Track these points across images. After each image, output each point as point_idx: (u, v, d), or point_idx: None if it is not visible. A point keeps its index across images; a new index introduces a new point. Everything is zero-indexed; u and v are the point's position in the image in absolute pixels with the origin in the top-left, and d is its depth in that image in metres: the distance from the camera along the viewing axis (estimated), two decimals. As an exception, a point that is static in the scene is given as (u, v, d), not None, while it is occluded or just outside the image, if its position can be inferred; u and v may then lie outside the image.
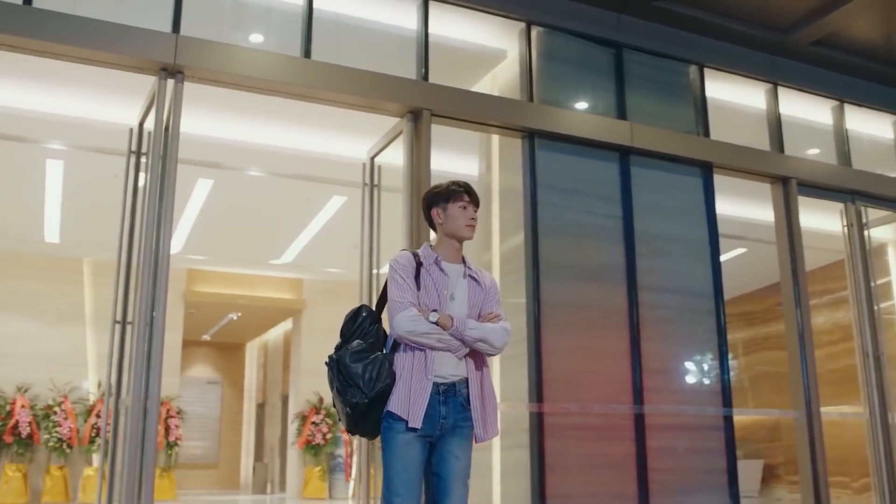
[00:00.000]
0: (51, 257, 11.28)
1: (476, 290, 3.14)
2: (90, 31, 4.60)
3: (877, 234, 7.72)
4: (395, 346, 3.03)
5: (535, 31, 6.04)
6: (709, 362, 6.08)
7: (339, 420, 3.05)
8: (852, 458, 8.66)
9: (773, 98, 6.98)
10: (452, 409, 2.97)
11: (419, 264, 3.08)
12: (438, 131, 5.50)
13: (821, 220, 7.58)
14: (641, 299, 5.84)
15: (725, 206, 6.74)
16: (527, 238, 5.66)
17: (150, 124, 4.94)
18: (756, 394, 12.27)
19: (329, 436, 12.87)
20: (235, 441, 17.81)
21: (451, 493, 2.92)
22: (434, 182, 5.47)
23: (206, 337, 17.35)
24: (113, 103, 6.33)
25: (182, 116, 4.84)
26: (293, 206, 9.07)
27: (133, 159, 5.23)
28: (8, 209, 9.03)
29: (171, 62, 4.73)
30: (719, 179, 6.48)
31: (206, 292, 13.12)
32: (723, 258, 6.37)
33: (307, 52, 5.24)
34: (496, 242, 6.13)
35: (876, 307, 6.91)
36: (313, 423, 12.86)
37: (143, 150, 5.14)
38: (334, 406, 3.03)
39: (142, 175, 5.09)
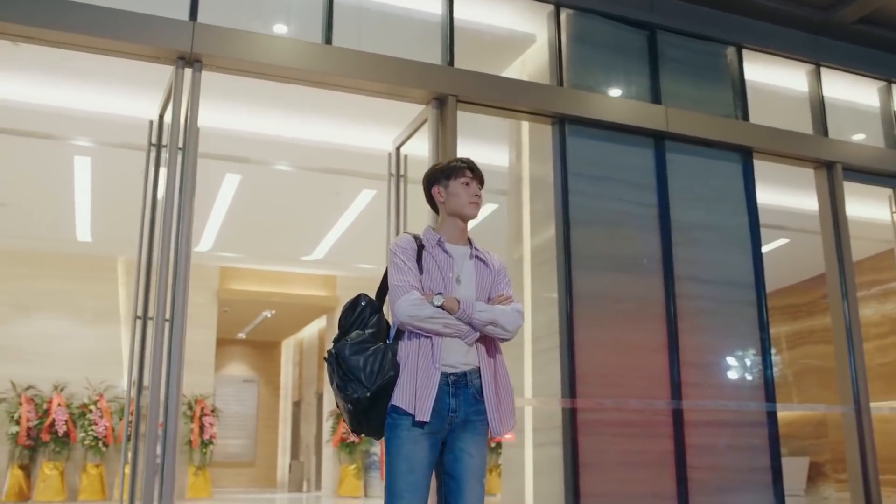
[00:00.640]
0: (84, 256, 11.32)
1: (484, 271, 2.92)
2: (105, 21, 4.49)
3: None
4: (399, 334, 2.80)
5: (564, 14, 5.83)
6: (750, 355, 5.82)
7: (344, 420, 2.84)
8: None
9: (816, 79, 6.69)
10: (463, 401, 2.73)
11: (421, 247, 2.86)
12: (467, 120, 5.33)
13: (868, 207, 7.26)
14: (679, 290, 5.60)
15: (766, 195, 6.47)
16: (558, 228, 5.46)
17: (169, 116, 4.84)
18: (801, 389, 11.90)
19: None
20: (272, 439, 17.82)
21: (465, 495, 2.69)
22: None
23: (242, 335, 17.37)
24: (138, 98, 6.24)
25: (206, 110, 4.73)
26: (322, 200, 8.95)
27: (153, 153, 5.14)
28: (39, 208, 9.04)
29: (189, 50, 4.62)
30: (759, 167, 6.20)
31: (239, 290, 13.09)
32: (764, 249, 6.11)
33: (328, 39, 5.10)
34: (527, 234, 5.93)
35: (928, 297, 6.59)
36: (348, 420, 12.75)
37: (164, 142, 5.04)
38: (337, 405, 2.82)
39: (162, 169, 5.00)
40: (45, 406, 10.88)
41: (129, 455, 4.83)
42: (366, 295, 2.90)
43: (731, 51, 6.36)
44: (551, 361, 5.32)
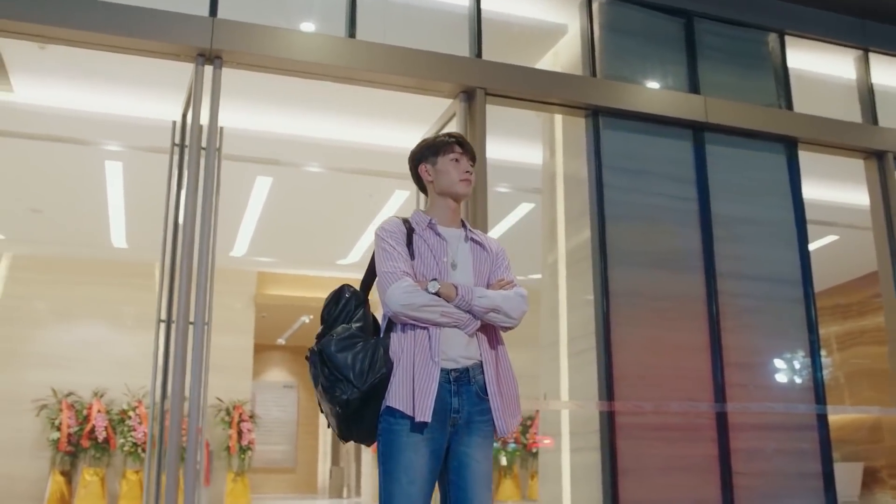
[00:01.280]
0: (121, 263, 11.34)
1: (481, 255, 2.66)
2: (123, 18, 4.42)
3: None
4: (391, 327, 2.52)
5: (596, 3, 5.63)
6: (799, 356, 5.54)
7: (329, 425, 2.54)
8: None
9: (864, 66, 6.39)
10: (467, 400, 2.46)
11: (410, 230, 2.61)
12: (500, 116, 5.16)
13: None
14: (721, 287, 5.35)
15: (813, 190, 6.19)
16: (592, 224, 5.25)
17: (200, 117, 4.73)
18: (853, 391, 11.47)
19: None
20: (312, 445, 17.76)
21: None
22: (493, 170, 5.23)
23: (281, 341, 17.35)
24: (167, 99, 6.17)
25: (233, 112, 4.63)
26: (355, 202, 8.83)
27: (177, 153, 5.06)
28: (73, 215, 9.06)
29: (208, 47, 4.51)
30: (805, 161, 5.93)
31: (276, 295, 13.03)
32: (812, 246, 5.83)
33: (352, 33, 4.96)
34: (562, 233, 5.73)
35: None
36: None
37: (187, 143, 4.95)
38: (321, 409, 2.53)
39: (186, 169, 4.90)
40: (85, 412, 10.92)
41: (153, 462, 4.73)
42: (350, 285, 2.63)
43: (772, 37, 6.10)
44: (588, 363, 5.12)
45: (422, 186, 2.79)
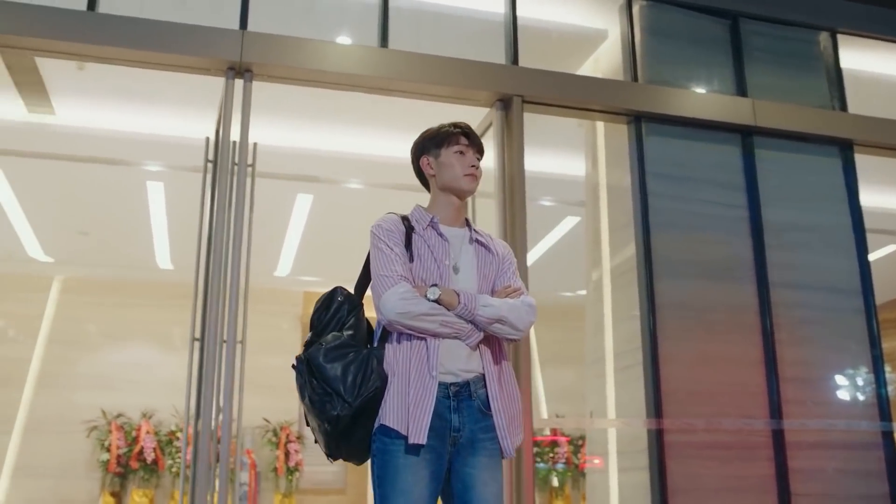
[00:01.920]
0: (168, 284, 11.41)
1: (487, 258, 2.45)
2: (152, 33, 4.38)
3: None
4: (385, 336, 2.32)
5: (636, 6, 5.46)
6: (860, 370, 5.24)
7: (315, 441, 2.36)
8: None
9: (923, 64, 6.09)
10: (468, 417, 2.26)
11: (410, 229, 2.40)
12: (542, 128, 5.01)
13: None
14: (774, 298, 5.09)
15: (871, 197, 5.89)
16: (637, 234, 5.05)
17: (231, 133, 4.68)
18: (921, 408, 10.95)
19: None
20: (363, 466, 17.60)
21: None
22: (531, 182, 5.07)
23: (330, 361, 17.31)
24: (205, 118, 6.17)
25: (273, 129, 4.56)
26: (397, 219, 8.72)
27: (210, 170, 5.00)
28: (119, 237, 9.12)
29: (238, 60, 4.45)
30: (861, 163, 5.64)
31: (322, 315, 12.98)
32: (872, 256, 5.53)
33: (384, 43, 4.87)
34: (606, 245, 5.52)
35: None
36: (434, 446, 12.47)
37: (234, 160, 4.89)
38: (307, 423, 2.33)
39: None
40: (133, 433, 10.97)
41: (189, 484, 4.64)
42: (343, 288, 2.43)
43: (823, 36, 5.84)
44: (634, 379, 4.90)
45: (424, 181, 2.59)
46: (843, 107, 5.70)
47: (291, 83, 4.69)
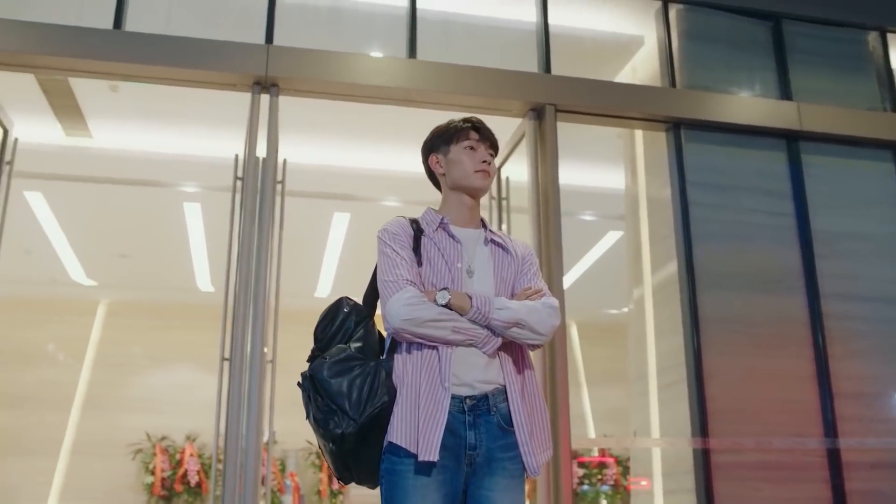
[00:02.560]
0: (208, 306, 11.43)
1: (504, 260, 2.27)
2: (178, 50, 4.35)
3: None
4: (394, 347, 2.14)
5: (673, 10, 5.29)
6: (921, 384, 4.95)
7: (326, 463, 2.20)
8: None
9: (980, 62, 5.79)
10: (486, 433, 2.07)
11: (419, 232, 2.23)
12: (580, 139, 4.85)
13: None
14: (826, 310, 4.84)
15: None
16: (678, 245, 4.85)
17: (258, 149, 4.62)
18: None
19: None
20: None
21: None
22: (572, 197, 4.91)
23: (375, 383, 17.22)
24: (238, 137, 6.16)
25: (304, 146, 4.49)
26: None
27: (239, 188, 4.94)
28: (158, 259, 9.16)
29: (264, 74, 4.39)
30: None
31: (364, 336, 12.90)
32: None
33: (412, 53, 4.77)
34: (647, 257, 5.33)
35: None
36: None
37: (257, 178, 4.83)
38: (319, 446, 2.14)
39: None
40: (177, 456, 10.97)
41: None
42: (350, 298, 2.28)
43: (872, 36, 5.60)
44: (678, 396, 4.68)
45: (435, 182, 2.44)
46: (895, 108, 5.44)
47: (318, 97, 4.62)
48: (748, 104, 5.20)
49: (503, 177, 5.28)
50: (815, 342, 4.79)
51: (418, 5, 4.87)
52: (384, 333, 2.25)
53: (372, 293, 2.29)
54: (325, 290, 10.32)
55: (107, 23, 4.43)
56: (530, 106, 4.79)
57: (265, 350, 4.37)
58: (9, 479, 10.36)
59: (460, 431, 2.06)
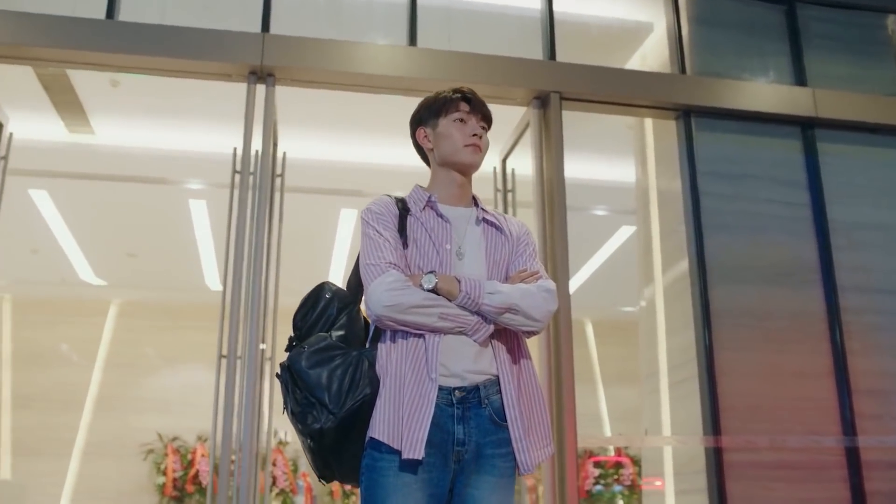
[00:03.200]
0: (218, 305, 11.40)
1: (497, 240, 2.09)
2: (171, 40, 4.25)
3: None
4: (378, 335, 1.98)
5: (683, -6, 5.13)
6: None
7: (307, 459, 2.01)
8: None
9: None
10: (476, 427, 1.91)
11: (405, 211, 2.06)
12: (591, 131, 4.71)
13: None
14: (843, 303, 4.67)
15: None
16: (689, 237, 4.69)
17: (255, 141, 4.51)
18: None
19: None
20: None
21: None
22: (583, 191, 4.76)
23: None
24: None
25: (306, 141, 4.38)
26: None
27: (238, 180, 4.84)
28: (166, 258, 9.08)
29: (259, 63, 4.28)
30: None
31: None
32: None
33: (413, 41, 4.64)
34: (657, 250, 5.17)
35: None
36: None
37: (250, 170, 4.72)
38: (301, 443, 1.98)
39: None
40: (189, 457, 10.92)
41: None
42: (332, 283, 2.10)
43: (891, 19, 5.42)
44: (690, 393, 4.53)
45: (424, 157, 2.26)
46: (916, 94, 5.26)
47: (316, 87, 4.50)
48: (761, 91, 5.03)
49: (508, 169, 5.14)
50: (832, 337, 4.62)
51: (418, -8, 4.75)
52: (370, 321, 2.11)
53: (356, 278, 2.12)
54: (335, 288, 10.22)
55: (99, 12, 4.33)
56: (534, 94, 4.65)
57: (262, 347, 4.28)
58: (21, 480, 10.36)
59: (448, 426, 1.91)
